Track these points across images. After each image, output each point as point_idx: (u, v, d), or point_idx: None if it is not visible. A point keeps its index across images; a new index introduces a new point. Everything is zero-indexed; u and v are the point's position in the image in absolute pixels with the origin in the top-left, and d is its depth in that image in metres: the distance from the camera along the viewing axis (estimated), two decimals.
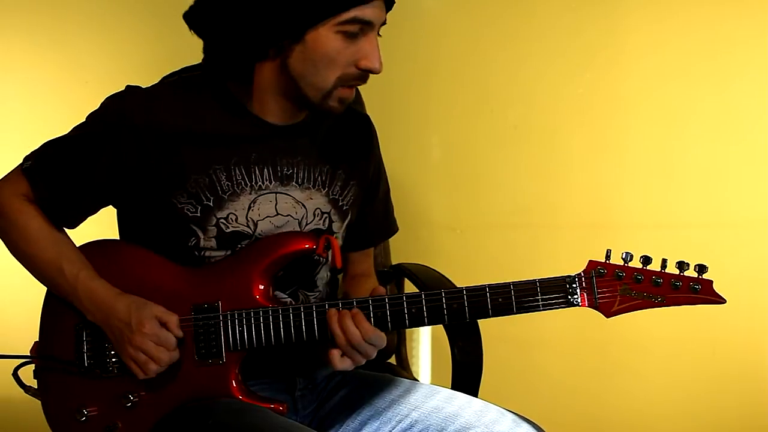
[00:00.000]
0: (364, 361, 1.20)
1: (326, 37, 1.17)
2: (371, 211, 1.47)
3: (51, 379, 1.29)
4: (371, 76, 1.22)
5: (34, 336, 1.32)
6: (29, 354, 1.30)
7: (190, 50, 1.44)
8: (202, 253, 1.27)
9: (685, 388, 2.13)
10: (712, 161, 2.09)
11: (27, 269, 1.31)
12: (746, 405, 2.09)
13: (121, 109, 1.26)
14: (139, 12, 2.17)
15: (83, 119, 1.32)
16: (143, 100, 1.26)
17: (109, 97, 1.29)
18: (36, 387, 1.31)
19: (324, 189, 1.35)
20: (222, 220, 1.26)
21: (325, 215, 1.35)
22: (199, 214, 1.25)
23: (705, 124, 2.09)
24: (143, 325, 1.19)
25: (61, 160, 1.29)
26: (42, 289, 1.33)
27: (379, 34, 1.22)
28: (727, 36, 2.05)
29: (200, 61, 1.38)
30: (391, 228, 1.55)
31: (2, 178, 1.33)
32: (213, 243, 1.27)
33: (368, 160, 1.45)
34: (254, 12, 1.18)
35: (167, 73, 1.49)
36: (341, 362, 1.19)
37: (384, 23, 1.22)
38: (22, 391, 1.30)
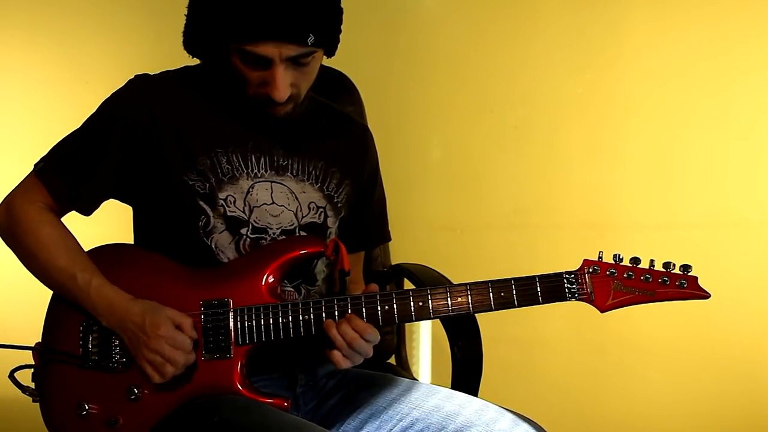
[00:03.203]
0: (362, 360, 1.24)
1: (234, 56, 1.25)
2: (365, 213, 1.50)
3: (52, 375, 1.29)
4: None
5: (35, 338, 1.32)
6: (32, 356, 1.30)
7: None
8: (210, 239, 1.30)
9: (684, 388, 2.13)
10: (711, 161, 2.09)
11: (38, 277, 1.31)
12: (746, 405, 2.09)
13: (135, 93, 1.33)
14: (139, 12, 2.17)
15: (83, 119, 1.34)
16: (154, 85, 1.34)
17: (121, 86, 1.34)
18: (34, 388, 1.30)
19: (317, 184, 1.39)
20: (222, 201, 1.30)
21: (321, 210, 1.39)
22: (207, 191, 1.30)
23: (705, 124, 2.09)
24: (158, 328, 1.20)
25: (74, 148, 1.32)
26: (42, 289, 1.33)
27: (300, 63, 1.23)
28: (727, 36, 2.05)
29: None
30: (384, 235, 1.58)
31: (15, 187, 1.34)
32: (222, 222, 1.30)
33: (363, 162, 1.48)
34: (200, 25, 1.29)
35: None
36: (343, 361, 1.23)
37: (306, 55, 1.23)
38: (20, 392, 1.29)
